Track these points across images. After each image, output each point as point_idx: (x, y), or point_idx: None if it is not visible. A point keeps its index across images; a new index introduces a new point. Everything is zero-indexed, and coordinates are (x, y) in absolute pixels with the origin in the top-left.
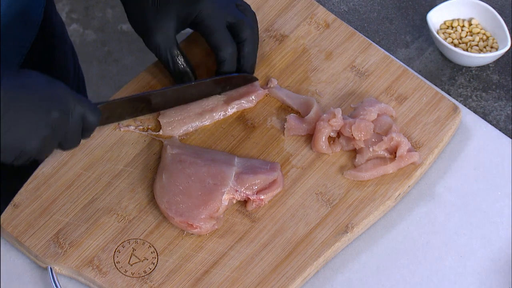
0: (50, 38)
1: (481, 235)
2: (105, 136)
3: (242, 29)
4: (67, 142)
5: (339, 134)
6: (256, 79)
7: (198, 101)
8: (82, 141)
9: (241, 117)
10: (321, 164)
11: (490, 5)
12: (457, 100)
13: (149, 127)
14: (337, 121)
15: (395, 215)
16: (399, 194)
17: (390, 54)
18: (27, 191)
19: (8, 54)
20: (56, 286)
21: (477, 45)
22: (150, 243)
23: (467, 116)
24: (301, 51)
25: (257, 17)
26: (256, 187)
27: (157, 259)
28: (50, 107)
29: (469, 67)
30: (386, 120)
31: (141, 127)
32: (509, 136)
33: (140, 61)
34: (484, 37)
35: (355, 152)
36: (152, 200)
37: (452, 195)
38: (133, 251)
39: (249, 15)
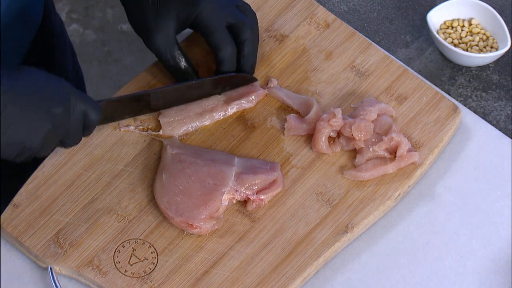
0: (49, 38)
1: (481, 235)
2: (105, 136)
3: (243, 30)
4: (69, 139)
5: (339, 134)
6: (255, 80)
7: (198, 101)
8: (82, 141)
9: (241, 117)
10: (321, 164)
11: (490, 5)
12: (457, 100)
13: (149, 127)
14: (337, 121)
15: (395, 215)
16: (399, 194)
17: (390, 54)
18: (27, 191)
19: (8, 54)
20: (56, 286)
21: (477, 45)
22: (150, 243)
23: (467, 116)
24: (301, 51)
25: (257, 17)
26: (256, 187)
27: (157, 259)
28: (52, 103)
29: (469, 67)
30: (386, 120)
31: (141, 127)
32: (509, 136)
33: (140, 61)
34: (484, 37)
35: (355, 152)
36: (152, 200)
37: (452, 195)
38: (133, 251)
39: (250, 16)
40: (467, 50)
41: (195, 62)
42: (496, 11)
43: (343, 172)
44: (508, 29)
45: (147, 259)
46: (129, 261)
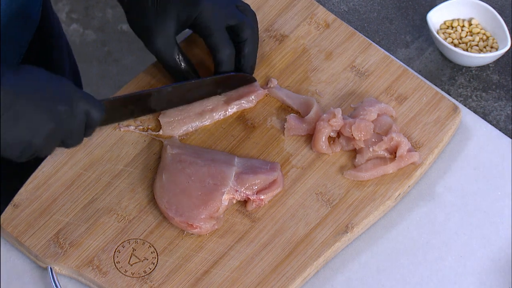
0: (47, 38)
1: (481, 235)
2: (105, 136)
3: (243, 30)
4: (71, 138)
5: (339, 134)
6: (254, 80)
7: (198, 101)
8: (82, 141)
9: (241, 117)
10: (321, 164)
11: (490, 5)
12: (457, 100)
13: (149, 127)
14: (337, 121)
15: (395, 215)
16: (399, 194)
17: (390, 54)
18: (27, 191)
19: (7, 54)
20: (56, 286)
21: (477, 45)
22: (150, 243)
23: (467, 116)
24: (301, 51)
25: (257, 17)
26: (256, 187)
27: (157, 259)
28: (54, 102)
29: (469, 67)
30: (386, 120)
31: (141, 127)
32: (509, 136)
33: (140, 61)
34: (484, 37)
35: (355, 152)
36: (152, 200)
37: (452, 195)
38: (133, 251)
39: (250, 16)
40: (467, 50)
41: (195, 62)
42: (496, 11)
43: (343, 172)
44: (508, 29)
45: (147, 259)
46: (129, 261)
